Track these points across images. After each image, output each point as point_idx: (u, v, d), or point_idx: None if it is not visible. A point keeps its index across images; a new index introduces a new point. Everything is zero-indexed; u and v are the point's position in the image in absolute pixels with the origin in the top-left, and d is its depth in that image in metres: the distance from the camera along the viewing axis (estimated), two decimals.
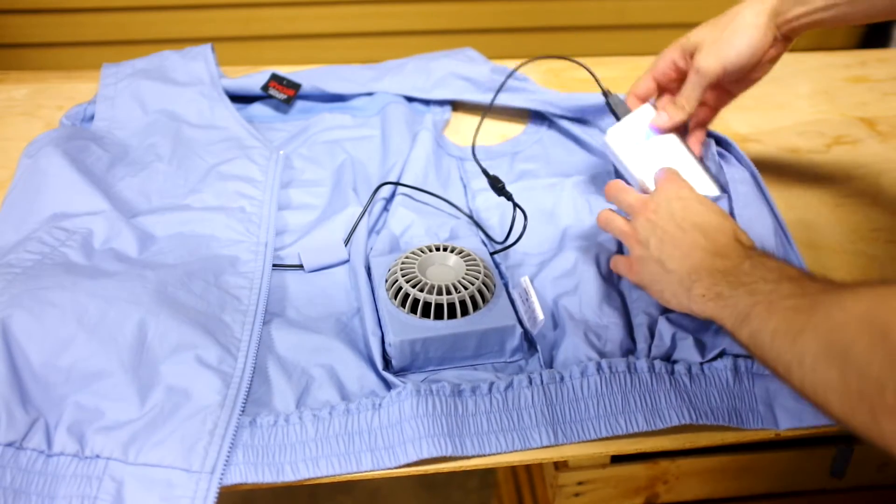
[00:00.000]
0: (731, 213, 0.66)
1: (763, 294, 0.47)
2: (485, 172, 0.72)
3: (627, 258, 0.59)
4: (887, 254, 0.71)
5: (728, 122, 0.88)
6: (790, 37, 0.65)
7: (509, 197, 0.68)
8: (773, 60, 0.67)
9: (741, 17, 0.63)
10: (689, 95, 0.66)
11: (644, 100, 0.70)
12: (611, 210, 0.63)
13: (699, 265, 0.53)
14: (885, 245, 0.72)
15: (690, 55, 0.66)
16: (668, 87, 0.71)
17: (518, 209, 0.66)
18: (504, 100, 0.84)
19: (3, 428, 0.50)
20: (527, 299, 0.60)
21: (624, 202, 0.61)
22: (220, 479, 0.49)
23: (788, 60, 1.01)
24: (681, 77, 0.69)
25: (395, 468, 0.51)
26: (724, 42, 0.63)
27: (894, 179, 0.79)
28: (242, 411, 0.53)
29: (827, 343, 0.41)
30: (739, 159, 0.72)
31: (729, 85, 0.69)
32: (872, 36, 1.58)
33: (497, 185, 0.69)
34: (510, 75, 0.84)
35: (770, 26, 0.63)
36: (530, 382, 0.55)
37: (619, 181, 0.64)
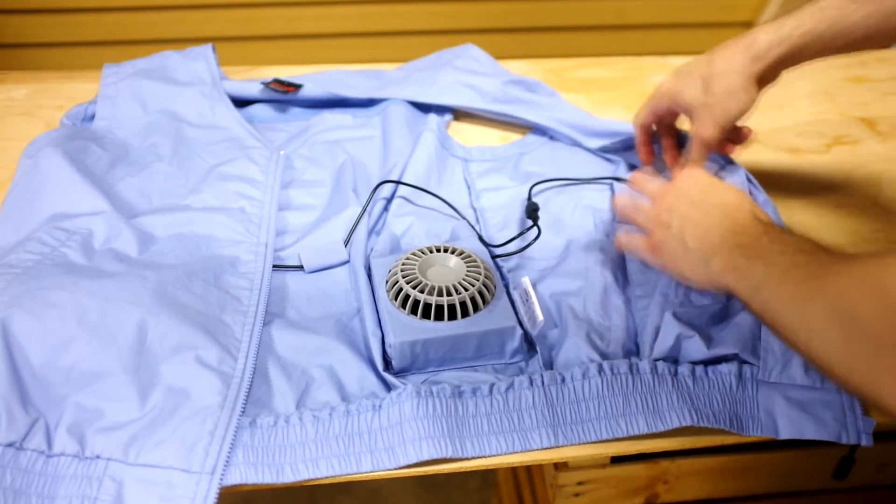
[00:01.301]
0: None
1: (778, 265, 0.49)
2: (529, 199, 0.72)
3: (648, 239, 0.60)
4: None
5: None
6: (772, 77, 0.67)
7: (536, 221, 0.69)
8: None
9: (729, 76, 0.65)
10: (693, 159, 0.69)
11: (647, 127, 0.74)
12: (627, 197, 0.65)
13: (719, 242, 0.54)
14: (886, 245, 0.72)
15: (682, 109, 0.69)
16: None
17: (536, 227, 0.67)
18: (526, 114, 0.83)
19: (4, 428, 0.50)
20: (527, 300, 0.60)
21: (647, 189, 0.64)
22: (221, 479, 0.49)
23: None
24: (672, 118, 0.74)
25: (395, 469, 0.51)
26: (718, 107, 0.66)
27: (894, 179, 0.79)
28: (242, 412, 0.53)
29: (833, 307, 0.43)
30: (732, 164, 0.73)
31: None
32: None
33: (532, 214, 0.70)
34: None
35: (756, 77, 0.65)
36: (531, 384, 0.55)
37: (641, 173, 0.67)
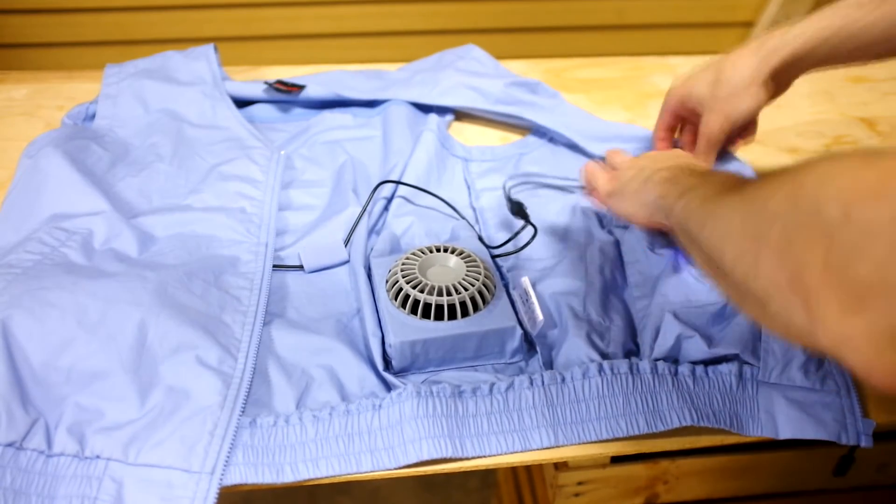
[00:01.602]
0: None
1: (714, 178, 0.50)
2: (508, 199, 0.72)
3: (609, 179, 0.64)
4: None
5: None
6: (784, 81, 0.67)
7: (527, 218, 0.68)
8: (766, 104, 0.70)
9: (738, 75, 0.66)
10: (699, 157, 0.70)
11: (667, 140, 0.76)
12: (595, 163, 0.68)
13: (672, 165, 0.57)
14: None
15: (692, 109, 0.71)
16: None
17: (531, 225, 0.67)
18: (528, 116, 0.82)
19: (3, 428, 0.50)
20: (527, 300, 0.60)
21: (616, 159, 0.67)
22: (220, 479, 0.49)
23: None
24: (685, 120, 0.75)
25: (395, 469, 0.51)
26: (727, 105, 0.67)
27: None
28: (242, 412, 0.53)
29: (743, 196, 0.41)
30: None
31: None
32: None
33: (519, 212, 0.69)
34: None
35: (764, 78, 0.65)
36: (531, 383, 0.55)
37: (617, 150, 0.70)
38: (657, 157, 0.62)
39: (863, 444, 0.55)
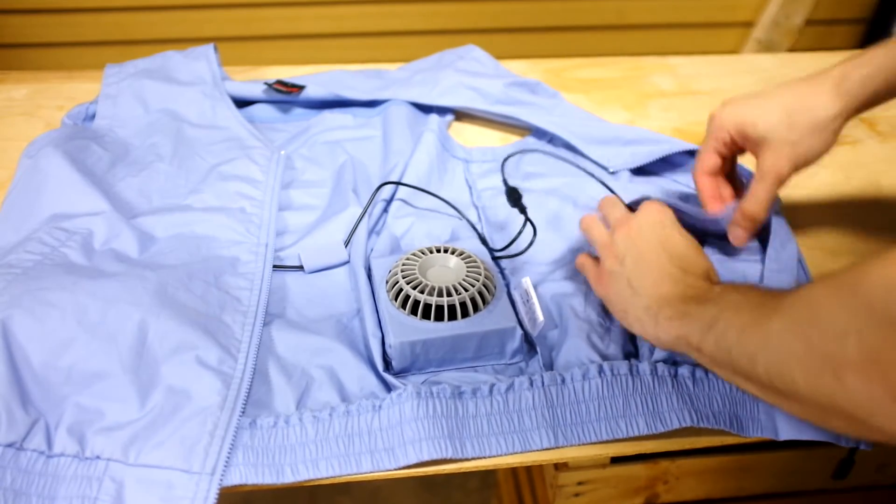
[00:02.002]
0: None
1: (732, 302, 0.47)
2: (505, 182, 0.71)
3: (597, 267, 0.59)
4: None
5: None
6: (857, 114, 0.60)
7: (523, 210, 0.68)
8: None
9: (817, 112, 0.59)
10: (761, 199, 0.61)
11: (713, 173, 0.65)
12: (594, 217, 0.62)
13: (668, 294, 0.52)
14: (886, 247, 0.71)
15: (751, 141, 0.61)
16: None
17: (529, 223, 0.66)
18: (528, 117, 0.82)
19: (4, 429, 0.50)
20: (527, 300, 0.60)
21: (611, 215, 0.61)
22: (220, 480, 0.49)
23: (789, 60, 1.02)
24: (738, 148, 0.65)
25: (395, 470, 0.51)
26: (802, 144, 0.59)
27: (894, 180, 0.79)
28: (242, 412, 0.53)
29: (793, 318, 0.41)
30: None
31: None
32: (872, 36, 1.58)
33: (514, 197, 0.69)
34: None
35: (846, 114, 0.59)
36: (531, 384, 0.55)
37: (614, 197, 0.64)
38: (642, 258, 0.55)
39: (862, 446, 0.55)
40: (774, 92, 0.61)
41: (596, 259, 0.60)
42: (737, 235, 0.64)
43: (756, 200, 0.61)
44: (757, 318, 0.44)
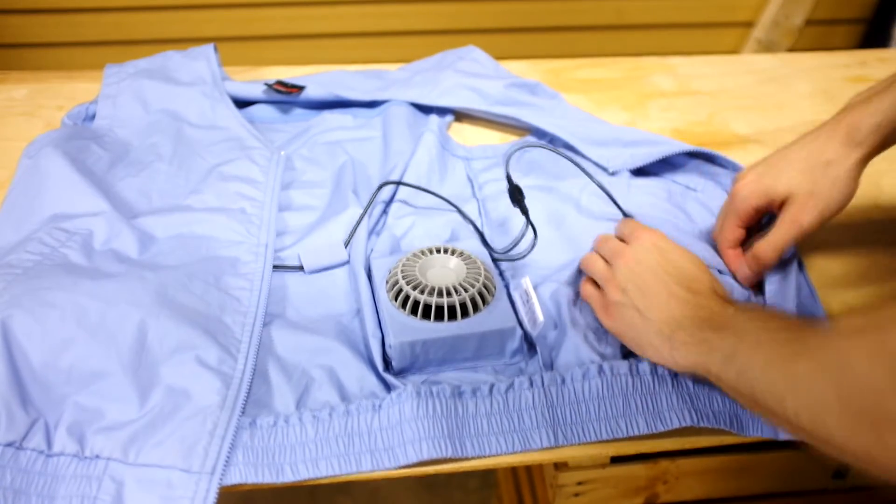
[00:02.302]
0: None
1: (751, 332, 0.47)
2: (509, 179, 0.70)
3: (603, 298, 0.59)
4: (889, 257, 0.71)
5: (728, 122, 0.88)
6: (872, 156, 0.61)
7: (525, 211, 0.67)
8: None
9: (835, 166, 0.60)
10: (776, 245, 0.61)
11: (736, 246, 0.65)
12: (593, 253, 0.62)
13: (680, 314, 0.53)
14: (887, 248, 0.72)
15: (777, 204, 0.62)
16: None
17: (530, 225, 0.66)
18: (528, 117, 0.82)
19: (3, 428, 0.50)
20: (527, 300, 0.60)
21: (606, 248, 0.61)
22: (220, 479, 0.49)
23: (788, 60, 1.02)
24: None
25: (395, 469, 0.51)
26: (824, 197, 0.60)
27: (894, 180, 0.79)
28: (242, 412, 0.53)
29: (823, 364, 0.40)
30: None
31: None
32: (872, 36, 1.58)
33: (517, 197, 0.69)
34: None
35: (861, 164, 0.60)
36: (531, 384, 0.55)
37: (605, 234, 0.63)
38: (644, 284, 0.55)
39: None
40: (789, 151, 0.62)
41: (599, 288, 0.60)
42: (745, 276, 0.63)
43: (770, 245, 0.61)
44: (782, 358, 0.43)
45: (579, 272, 0.64)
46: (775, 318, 0.47)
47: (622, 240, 0.61)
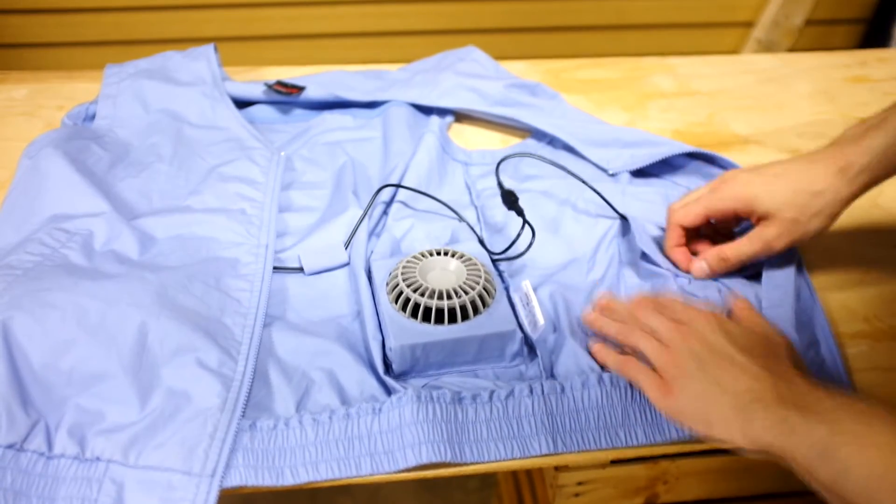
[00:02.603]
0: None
1: (850, 431, 0.45)
2: (500, 185, 0.71)
3: (657, 377, 0.54)
4: (889, 257, 0.71)
5: (728, 122, 0.88)
6: (860, 195, 0.62)
7: (520, 213, 0.67)
8: None
9: (824, 198, 0.60)
10: (742, 255, 0.63)
11: (683, 241, 0.66)
12: (637, 329, 0.57)
13: (755, 388, 0.49)
14: (887, 248, 0.72)
15: (756, 213, 0.62)
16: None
17: (527, 225, 0.66)
18: (528, 118, 0.82)
19: (4, 430, 0.50)
20: (528, 303, 0.60)
21: (654, 323, 0.56)
22: (221, 481, 0.49)
23: (788, 60, 1.02)
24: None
25: (394, 473, 0.51)
26: (802, 226, 0.61)
27: (895, 180, 0.79)
28: (243, 414, 0.53)
29: None
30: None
31: None
32: (872, 36, 1.58)
33: (510, 200, 0.69)
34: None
35: (848, 201, 0.61)
36: (531, 392, 0.55)
37: (649, 297, 0.60)
38: (710, 354, 0.52)
39: None
40: (780, 170, 0.62)
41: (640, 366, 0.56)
42: (700, 268, 0.64)
43: (737, 252, 0.63)
44: (887, 458, 0.42)
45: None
46: (880, 418, 0.44)
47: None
